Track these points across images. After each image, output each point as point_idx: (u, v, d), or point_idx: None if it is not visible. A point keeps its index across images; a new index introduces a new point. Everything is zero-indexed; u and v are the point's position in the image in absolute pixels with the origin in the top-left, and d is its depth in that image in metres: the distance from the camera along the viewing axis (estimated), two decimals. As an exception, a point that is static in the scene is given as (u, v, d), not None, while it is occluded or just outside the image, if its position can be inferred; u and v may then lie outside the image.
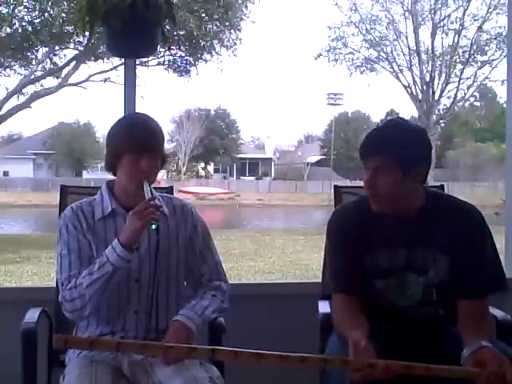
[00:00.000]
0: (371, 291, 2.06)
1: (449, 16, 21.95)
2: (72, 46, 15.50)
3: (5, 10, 14.34)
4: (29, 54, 15.39)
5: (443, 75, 22.39)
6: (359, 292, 2.02)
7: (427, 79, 22.29)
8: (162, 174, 2.16)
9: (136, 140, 1.99)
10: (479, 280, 2.01)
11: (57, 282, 2.11)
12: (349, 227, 2.08)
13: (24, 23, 14.65)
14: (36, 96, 16.38)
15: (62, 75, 16.36)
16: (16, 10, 14.46)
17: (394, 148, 1.95)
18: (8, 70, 15.53)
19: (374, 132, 2.03)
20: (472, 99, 28.40)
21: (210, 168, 37.43)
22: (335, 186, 2.65)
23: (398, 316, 2.06)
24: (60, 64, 16.00)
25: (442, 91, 22.47)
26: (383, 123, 2.11)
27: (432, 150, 2.06)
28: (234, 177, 37.80)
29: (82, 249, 2.04)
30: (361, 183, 2.13)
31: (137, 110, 2.77)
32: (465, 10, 21.64)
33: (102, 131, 32.95)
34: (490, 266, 2.04)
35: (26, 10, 14.63)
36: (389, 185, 1.96)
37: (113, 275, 1.95)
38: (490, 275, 2.03)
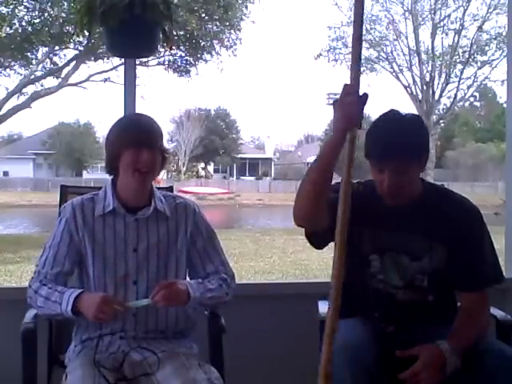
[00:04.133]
0: (368, 270, 2.09)
1: (449, 16, 21.97)
2: (72, 46, 15.51)
3: (5, 10, 14.34)
4: (29, 54, 15.39)
5: (443, 75, 22.40)
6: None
7: (427, 79, 22.29)
8: (162, 174, 2.15)
9: (134, 134, 2.00)
10: (479, 273, 2.05)
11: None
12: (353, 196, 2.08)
13: (24, 23, 14.65)
14: (36, 96, 16.38)
15: (62, 75, 16.37)
16: (16, 10, 14.46)
17: (411, 147, 1.97)
18: (8, 70, 15.55)
19: (384, 134, 1.99)
20: (472, 99, 28.44)
21: (210, 168, 37.43)
22: (335, 186, 2.65)
23: (388, 299, 2.08)
24: (60, 64, 16.03)
25: (442, 91, 22.49)
26: (386, 122, 2.05)
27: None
28: (234, 177, 37.79)
29: (61, 247, 2.05)
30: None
31: (137, 110, 2.77)
32: (465, 10, 21.65)
33: (102, 131, 32.96)
34: (489, 258, 2.07)
35: (25, 9, 14.64)
36: (409, 182, 2.00)
37: (60, 316, 1.98)
38: (488, 268, 2.07)
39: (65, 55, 15.95)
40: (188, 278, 2.16)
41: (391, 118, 2.05)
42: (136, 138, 1.99)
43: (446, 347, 1.89)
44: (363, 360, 1.83)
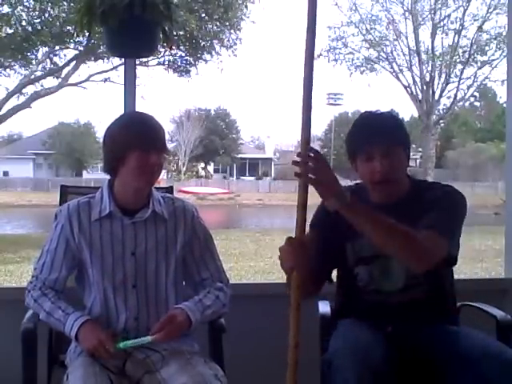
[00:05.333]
0: (355, 282, 2.10)
1: (449, 16, 21.94)
2: (72, 46, 15.50)
3: (5, 10, 14.35)
4: (29, 54, 15.37)
5: (443, 75, 22.38)
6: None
7: (427, 79, 22.28)
8: (162, 174, 2.14)
9: (145, 136, 1.96)
10: (434, 219, 1.97)
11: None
12: (327, 219, 2.09)
13: (24, 23, 14.64)
14: (36, 96, 16.37)
15: (62, 75, 16.36)
16: (16, 10, 14.46)
17: (397, 129, 2.04)
18: (8, 70, 15.53)
19: (368, 122, 2.07)
20: (472, 99, 28.42)
21: (210, 168, 37.42)
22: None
23: (382, 307, 2.08)
24: (60, 64, 16.02)
25: (442, 91, 22.46)
26: (366, 115, 2.11)
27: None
28: (234, 177, 37.78)
29: (57, 253, 2.05)
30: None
31: (136, 110, 2.77)
32: (465, 10, 21.63)
33: (102, 131, 32.89)
34: (447, 218, 1.99)
35: (26, 10, 14.64)
36: (399, 166, 2.02)
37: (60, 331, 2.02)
38: (443, 222, 1.97)
39: (65, 55, 15.97)
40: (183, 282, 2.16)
41: (371, 112, 2.11)
42: (144, 141, 1.95)
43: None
44: (367, 359, 1.82)
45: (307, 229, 2.16)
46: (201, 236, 2.13)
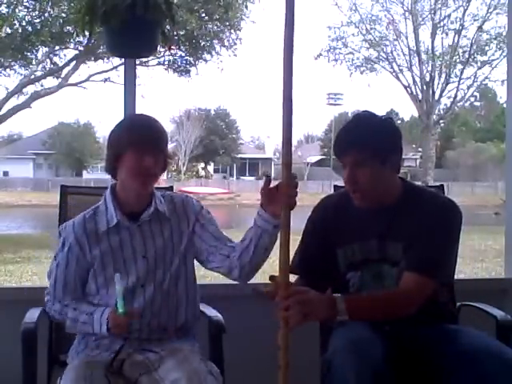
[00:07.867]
0: (347, 289, 2.08)
1: (449, 16, 21.99)
2: (72, 46, 15.54)
3: (5, 10, 14.36)
4: (29, 54, 15.41)
5: (443, 75, 22.42)
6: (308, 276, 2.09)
7: (427, 79, 22.32)
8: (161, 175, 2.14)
9: (138, 135, 1.96)
10: (418, 256, 1.98)
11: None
12: (319, 224, 2.14)
13: (24, 23, 14.66)
14: (36, 96, 16.41)
15: (62, 75, 16.40)
16: (16, 10, 14.48)
17: (367, 140, 1.98)
18: (8, 70, 15.56)
19: (344, 129, 2.05)
20: (472, 99, 28.43)
21: (210, 168, 37.44)
22: (335, 186, 2.65)
23: None
24: (60, 64, 16.05)
25: (442, 91, 22.51)
26: (351, 119, 2.10)
27: (401, 137, 2.08)
28: (234, 177, 37.80)
29: (68, 274, 2.04)
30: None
31: (137, 110, 2.78)
32: (465, 10, 21.68)
33: (102, 131, 33.02)
34: (434, 251, 1.98)
35: (26, 10, 14.66)
36: (369, 178, 1.98)
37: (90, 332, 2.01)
38: (429, 257, 1.98)
39: (65, 55, 16.01)
40: (213, 264, 2.11)
41: (359, 116, 2.09)
42: (139, 142, 1.96)
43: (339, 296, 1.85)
44: (367, 359, 1.81)
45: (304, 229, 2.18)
46: (207, 218, 2.13)
